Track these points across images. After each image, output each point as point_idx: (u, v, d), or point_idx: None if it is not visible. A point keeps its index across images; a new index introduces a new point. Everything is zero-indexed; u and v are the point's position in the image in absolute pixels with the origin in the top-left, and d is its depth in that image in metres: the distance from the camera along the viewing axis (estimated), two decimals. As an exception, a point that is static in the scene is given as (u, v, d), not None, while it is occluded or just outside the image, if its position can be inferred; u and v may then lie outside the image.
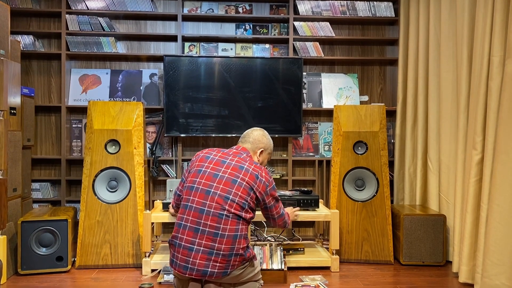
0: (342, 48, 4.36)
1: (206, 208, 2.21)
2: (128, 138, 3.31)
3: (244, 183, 2.27)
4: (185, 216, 2.25)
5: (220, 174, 2.29)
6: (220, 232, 2.19)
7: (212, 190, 2.25)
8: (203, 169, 2.32)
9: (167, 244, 3.43)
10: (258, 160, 2.56)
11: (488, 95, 2.69)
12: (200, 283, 2.25)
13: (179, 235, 2.23)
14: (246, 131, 2.61)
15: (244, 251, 2.24)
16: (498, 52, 2.63)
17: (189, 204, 2.26)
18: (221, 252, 2.17)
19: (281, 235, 4.02)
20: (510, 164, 2.51)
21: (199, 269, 2.16)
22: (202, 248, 2.18)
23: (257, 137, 2.55)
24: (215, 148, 2.46)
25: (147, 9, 4.06)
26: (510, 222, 2.52)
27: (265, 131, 2.63)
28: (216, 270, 2.17)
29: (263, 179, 2.34)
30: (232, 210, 2.22)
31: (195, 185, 2.28)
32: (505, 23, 2.61)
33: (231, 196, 2.23)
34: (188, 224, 2.22)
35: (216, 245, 2.17)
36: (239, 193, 2.25)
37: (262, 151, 2.56)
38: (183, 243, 2.20)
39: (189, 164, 2.45)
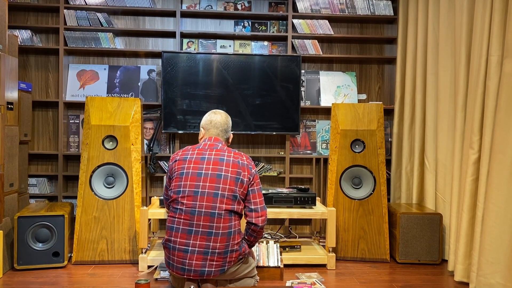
0: (340, 46, 4.36)
1: (196, 209, 2.18)
2: (126, 134, 3.31)
3: (229, 174, 2.24)
4: (176, 219, 2.22)
5: (204, 172, 2.24)
6: (213, 231, 2.17)
7: (200, 190, 2.21)
8: (185, 170, 2.26)
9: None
10: (229, 143, 2.50)
11: (486, 95, 2.69)
12: (197, 281, 2.25)
13: (173, 238, 2.21)
14: (210, 118, 2.44)
15: (239, 246, 2.24)
16: (496, 52, 2.63)
17: (179, 207, 2.22)
18: (217, 251, 2.17)
19: (277, 232, 4.02)
20: (507, 164, 2.52)
21: (197, 270, 2.16)
22: (197, 249, 2.16)
23: (226, 124, 2.44)
24: (188, 147, 2.37)
25: (145, 5, 4.05)
26: (506, 221, 2.53)
27: (225, 112, 2.50)
28: (213, 269, 2.17)
29: (246, 163, 2.31)
30: (224, 207, 2.19)
31: (181, 189, 2.23)
32: (503, 23, 2.61)
33: (220, 192, 2.20)
34: (181, 227, 2.20)
35: (211, 244, 2.16)
36: (227, 186, 2.22)
37: (231, 133, 2.50)
38: (177, 246, 2.19)
39: (168, 170, 2.39)
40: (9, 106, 3.15)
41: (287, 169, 4.19)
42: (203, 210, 2.18)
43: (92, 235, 3.24)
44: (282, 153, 4.24)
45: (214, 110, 2.50)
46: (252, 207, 2.30)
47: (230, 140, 2.51)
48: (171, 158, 2.38)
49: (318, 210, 3.23)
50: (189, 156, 2.31)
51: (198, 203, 2.19)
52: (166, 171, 4.12)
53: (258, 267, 2.90)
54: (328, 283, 2.89)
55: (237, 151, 2.36)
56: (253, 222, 2.29)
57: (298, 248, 3.35)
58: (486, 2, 2.72)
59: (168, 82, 3.94)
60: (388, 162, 4.10)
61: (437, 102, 3.43)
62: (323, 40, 4.30)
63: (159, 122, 4.08)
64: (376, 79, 4.40)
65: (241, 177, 2.25)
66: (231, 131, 2.54)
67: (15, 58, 3.24)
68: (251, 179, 2.30)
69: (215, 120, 2.44)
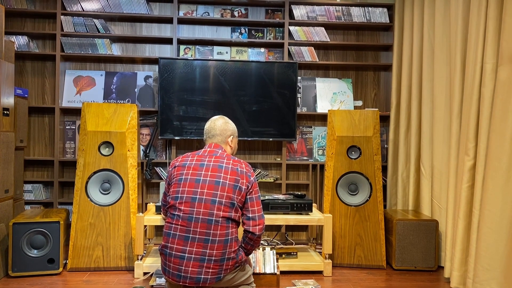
0: (336, 53, 4.38)
1: (194, 216, 2.18)
2: (122, 140, 3.30)
3: (227, 182, 2.23)
4: (173, 225, 2.21)
5: (202, 178, 2.23)
6: (210, 238, 2.16)
7: (198, 196, 2.20)
8: (183, 177, 2.25)
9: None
10: (231, 148, 2.49)
11: (481, 102, 2.71)
12: (193, 288, 2.24)
13: (169, 244, 2.20)
14: (208, 125, 2.46)
15: (235, 254, 2.23)
16: (490, 59, 2.66)
17: (176, 213, 2.21)
18: (213, 258, 2.16)
19: (274, 239, 4.02)
20: (502, 171, 2.54)
21: (192, 277, 2.15)
22: (193, 255, 2.15)
23: (222, 126, 2.44)
24: (188, 153, 2.38)
25: (142, 12, 4.06)
26: (501, 228, 2.54)
27: (225, 117, 2.51)
28: (209, 276, 2.16)
29: (244, 170, 2.30)
30: (221, 214, 2.19)
31: (179, 195, 2.22)
32: (497, 30, 2.64)
33: (217, 199, 2.20)
34: (177, 233, 2.19)
35: (208, 251, 2.15)
36: (225, 194, 2.21)
37: (232, 137, 2.48)
38: (173, 252, 2.18)
39: (167, 176, 2.39)
40: (5, 112, 3.15)
41: (283, 175, 4.19)
42: (200, 216, 2.17)
43: (87, 242, 3.22)
44: (279, 159, 4.25)
45: (213, 117, 2.50)
46: (250, 215, 2.29)
47: (232, 144, 2.49)
48: (170, 164, 2.38)
49: (314, 217, 3.23)
50: (188, 163, 2.30)
51: (195, 209, 2.18)
52: (164, 177, 4.11)
53: (254, 274, 2.90)
54: (324, 290, 2.89)
55: (236, 158, 2.35)
56: (250, 230, 2.28)
57: (295, 255, 3.35)
58: (480, 10, 2.75)
59: (164, 88, 3.95)
60: (384, 169, 4.11)
61: (433, 109, 3.45)
62: (319, 47, 4.32)
63: (155, 128, 4.07)
64: (372, 86, 4.42)
65: (239, 184, 2.25)
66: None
67: (12, 64, 3.23)
68: (250, 187, 2.29)
69: (210, 127, 2.45)
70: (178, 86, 3.96)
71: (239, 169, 2.28)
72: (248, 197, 2.29)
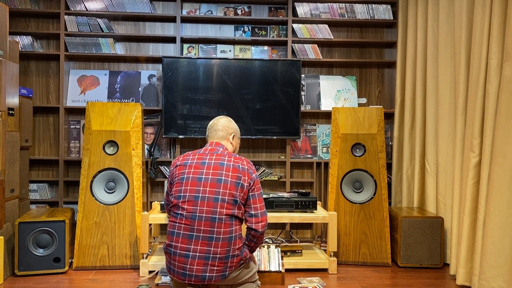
0: (340, 50, 4.37)
1: (197, 214, 2.18)
2: (126, 139, 3.31)
3: (229, 179, 2.23)
4: (177, 224, 2.22)
5: (204, 176, 2.24)
6: (214, 236, 2.17)
7: (200, 194, 2.20)
8: (185, 175, 2.26)
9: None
10: (232, 146, 2.49)
11: (486, 98, 2.69)
12: (198, 286, 2.24)
13: (174, 243, 2.20)
14: (212, 122, 2.49)
15: (240, 251, 2.23)
16: (496, 55, 2.64)
17: (179, 212, 2.22)
18: (218, 256, 2.16)
19: (279, 237, 4.02)
20: (507, 167, 2.52)
21: (198, 275, 2.16)
22: (198, 254, 2.16)
23: (224, 124, 2.46)
24: (189, 152, 2.38)
25: (146, 11, 4.07)
26: (507, 224, 2.53)
27: (229, 117, 2.53)
28: (214, 274, 2.17)
29: (246, 167, 2.30)
30: (224, 211, 2.19)
31: (182, 194, 2.23)
32: (502, 26, 2.62)
33: (220, 196, 2.20)
34: (181, 232, 2.19)
35: (212, 249, 2.16)
36: (227, 191, 2.21)
37: (233, 135, 2.48)
38: (178, 251, 2.18)
39: (169, 175, 2.39)
40: (10, 112, 3.16)
41: (287, 173, 4.19)
42: (204, 215, 2.18)
43: (93, 241, 3.23)
44: (283, 157, 4.24)
45: (218, 116, 2.52)
46: (252, 212, 2.29)
47: (233, 142, 2.49)
48: (172, 163, 2.39)
49: (319, 214, 3.23)
50: (189, 161, 2.31)
51: (198, 208, 2.19)
52: (167, 176, 4.12)
53: (259, 271, 2.90)
54: (329, 288, 2.89)
55: (237, 156, 2.35)
56: (253, 227, 2.29)
57: (299, 253, 3.35)
58: (485, 5, 2.73)
59: (168, 87, 3.95)
60: (389, 166, 4.10)
61: (437, 105, 3.43)
62: (323, 44, 4.31)
63: (159, 127, 4.08)
64: (376, 83, 4.40)
65: (241, 181, 2.25)
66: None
67: (16, 64, 3.25)
68: (252, 184, 2.29)
69: (213, 125, 2.46)
70: (182, 85, 3.97)
71: (240, 166, 2.29)
72: (250, 194, 2.29)
